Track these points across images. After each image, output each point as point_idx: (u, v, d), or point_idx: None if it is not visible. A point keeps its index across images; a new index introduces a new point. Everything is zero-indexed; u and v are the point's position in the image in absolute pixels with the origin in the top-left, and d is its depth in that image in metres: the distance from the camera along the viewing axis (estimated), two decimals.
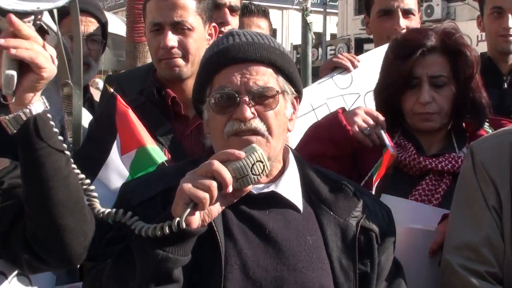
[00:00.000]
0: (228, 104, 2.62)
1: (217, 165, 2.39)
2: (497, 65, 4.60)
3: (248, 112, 2.59)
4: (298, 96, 2.82)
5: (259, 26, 5.05)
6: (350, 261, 2.68)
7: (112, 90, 3.44)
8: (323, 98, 4.15)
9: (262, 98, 2.63)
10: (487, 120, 3.65)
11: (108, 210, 2.54)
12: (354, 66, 4.37)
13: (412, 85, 3.51)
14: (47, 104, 2.38)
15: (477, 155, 3.03)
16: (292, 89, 2.75)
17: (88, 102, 4.27)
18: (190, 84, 3.52)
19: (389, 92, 3.58)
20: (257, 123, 2.61)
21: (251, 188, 2.58)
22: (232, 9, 4.47)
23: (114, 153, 3.38)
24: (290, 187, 2.74)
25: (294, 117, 2.80)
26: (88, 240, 2.56)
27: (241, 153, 2.43)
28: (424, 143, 3.58)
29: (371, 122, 3.49)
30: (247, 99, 2.60)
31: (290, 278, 2.57)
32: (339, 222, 2.72)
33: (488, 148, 3.04)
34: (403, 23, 4.56)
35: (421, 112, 3.50)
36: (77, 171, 2.51)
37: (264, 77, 2.64)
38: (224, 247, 2.56)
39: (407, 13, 4.54)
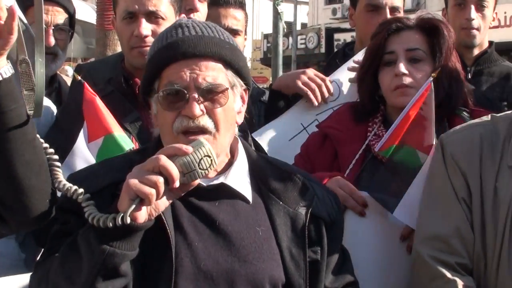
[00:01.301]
0: (177, 100, 2.59)
1: (164, 160, 2.38)
2: (462, 56, 4.62)
3: (197, 109, 2.56)
4: (247, 89, 2.80)
5: (235, 17, 5.04)
6: (300, 250, 2.70)
7: (79, 78, 3.45)
8: (313, 114, 4.11)
9: (211, 94, 2.60)
10: (468, 110, 3.63)
11: (70, 185, 2.54)
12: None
13: (389, 63, 3.51)
14: (13, 69, 2.40)
15: (447, 147, 3.05)
16: (241, 82, 2.73)
17: (56, 92, 4.26)
18: None
19: (368, 74, 3.59)
20: (205, 121, 2.59)
21: (201, 181, 2.58)
22: None
23: (81, 140, 3.41)
24: (239, 178, 2.74)
25: (242, 110, 2.78)
26: (53, 201, 2.61)
27: (188, 148, 2.42)
28: None
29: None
30: (196, 95, 2.57)
31: (241, 270, 2.59)
32: (288, 211, 2.73)
33: (458, 140, 3.06)
34: None
35: (397, 84, 3.48)
36: (41, 140, 2.57)
37: (214, 72, 2.61)
38: (174, 240, 2.55)
39: (394, 10, 4.53)
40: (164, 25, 3.54)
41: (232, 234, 2.63)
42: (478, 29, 4.63)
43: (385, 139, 3.36)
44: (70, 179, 2.64)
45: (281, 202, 2.73)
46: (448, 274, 2.91)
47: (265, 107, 4.40)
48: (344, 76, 4.15)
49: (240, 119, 2.78)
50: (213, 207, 2.66)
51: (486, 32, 4.73)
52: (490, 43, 4.84)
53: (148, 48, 3.46)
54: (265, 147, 3.93)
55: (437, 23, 3.54)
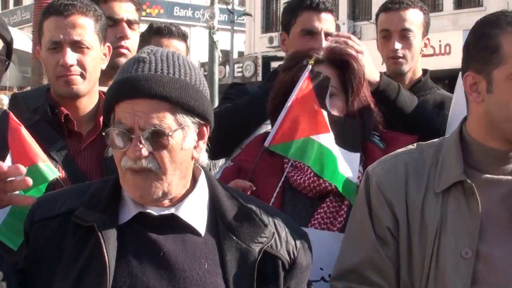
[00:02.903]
0: (123, 140, 2.62)
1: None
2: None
3: (138, 152, 2.59)
4: (207, 123, 2.76)
5: (177, 48, 5.10)
6: (248, 287, 2.67)
7: (4, 107, 3.46)
8: None
9: (154, 137, 2.59)
10: (378, 134, 3.68)
11: None
12: None
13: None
14: None
15: (373, 177, 3.09)
16: (196, 119, 2.69)
17: None
18: (84, 102, 3.64)
19: (279, 108, 3.51)
20: (148, 162, 2.61)
21: (152, 210, 2.67)
22: (130, 23, 4.50)
23: None
24: (193, 210, 2.73)
25: (201, 144, 2.75)
26: None
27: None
28: None
29: None
30: (140, 137, 2.59)
31: None
32: (240, 247, 2.70)
33: (384, 170, 3.11)
34: (325, 44, 4.57)
35: None
36: None
37: (159, 114, 2.59)
38: (113, 267, 2.58)
39: (328, 35, 4.58)
40: (89, 54, 3.58)
41: (174, 265, 2.63)
42: (404, 58, 4.73)
43: (274, 132, 3.42)
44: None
45: (234, 237, 2.71)
46: None
47: None
48: None
49: (199, 153, 2.75)
50: (161, 238, 2.66)
51: (416, 60, 4.81)
52: (425, 71, 4.94)
53: (74, 77, 3.54)
54: None
55: (346, 57, 3.58)
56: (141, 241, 2.66)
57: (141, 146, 2.58)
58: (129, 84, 2.61)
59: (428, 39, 4.93)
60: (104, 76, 3.78)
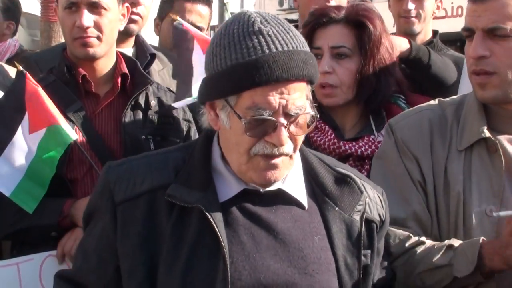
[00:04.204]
0: (263, 127, 2.36)
1: None
2: None
3: (286, 138, 2.37)
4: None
5: (201, 14, 5.01)
6: (355, 259, 2.56)
7: (21, 68, 3.42)
8: None
9: (299, 122, 2.39)
10: (403, 97, 3.65)
11: None
12: None
13: (316, 55, 3.37)
14: None
15: (397, 132, 3.07)
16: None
17: None
18: (101, 63, 3.58)
19: None
20: (288, 148, 2.41)
21: (258, 185, 2.48)
22: None
23: (21, 132, 3.37)
24: (295, 183, 2.56)
25: None
26: None
27: None
28: (339, 122, 3.54)
29: None
30: (285, 123, 2.36)
31: (302, 283, 2.45)
32: (344, 218, 2.56)
33: (408, 125, 3.09)
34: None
35: (321, 83, 3.42)
36: None
37: (300, 94, 2.37)
38: (228, 250, 2.39)
39: None
40: (107, 16, 3.52)
41: (291, 244, 2.48)
42: (416, 17, 4.72)
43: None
44: (106, 176, 2.55)
45: (336, 208, 2.57)
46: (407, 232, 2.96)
47: None
48: None
49: None
50: (271, 215, 2.50)
51: (428, 21, 4.81)
52: (435, 32, 4.91)
53: (90, 39, 3.47)
54: None
55: (363, 19, 3.50)
56: (251, 220, 2.48)
57: (286, 132, 2.37)
58: (274, 67, 2.33)
59: (440, 1, 4.91)
60: (117, 38, 3.72)
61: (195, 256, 2.41)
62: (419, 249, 2.92)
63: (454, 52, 4.92)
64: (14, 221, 3.43)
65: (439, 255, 2.87)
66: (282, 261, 2.45)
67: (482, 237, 2.81)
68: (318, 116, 2.43)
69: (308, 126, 2.42)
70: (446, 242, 2.89)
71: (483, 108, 3.02)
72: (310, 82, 2.42)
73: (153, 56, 4.29)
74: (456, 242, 2.87)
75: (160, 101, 3.69)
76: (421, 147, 3.03)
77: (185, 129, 3.73)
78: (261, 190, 2.49)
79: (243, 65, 2.34)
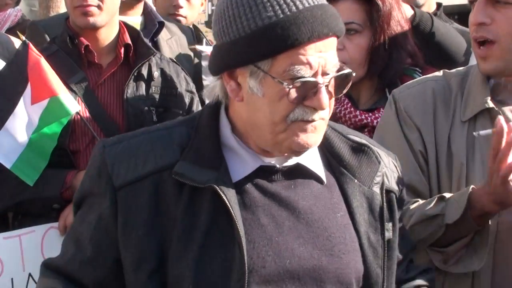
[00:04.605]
0: (304, 91, 2.12)
1: None
2: None
3: (327, 101, 2.14)
4: None
5: None
6: (378, 235, 2.34)
7: (23, 38, 3.38)
8: None
9: (339, 83, 2.18)
10: (419, 70, 3.60)
11: None
12: None
13: None
14: None
15: (400, 102, 3.03)
16: None
17: None
18: (104, 33, 3.52)
19: None
20: (327, 111, 2.18)
21: (274, 160, 2.25)
22: None
23: (23, 103, 3.34)
24: (312, 155, 2.31)
25: None
26: None
27: None
28: (355, 95, 3.50)
29: None
30: (326, 85, 2.14)
31: (329, 266, 2.23)
32: (364, 190, 2.35)
33: (411, 95, 3.05)
34: None
35: None
36: None
37: (335, 52, 2.17)
38: (247, 236, 2.15)
39: None
40: None
41: (314, 224, 2.24)
42: None
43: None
44: (102, 155, 2.24)
45: (356, 180, 2.34)
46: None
47: None
48: None
49: None
50: (291, 193, 2.26)
51: None
52: (439, 5, 4.87)
53: (90, 9, 3.41)
54: None
55: None
56: (270, 200, 2.23)
57: (327, 94, 2.14)
58: (314, 23, 2.10)
59: None
60: (125, 5, 3.68)
61: (209, 243, 2.16)
62: (412, 205, 2.87)
63: (459, 26, 4.88)
64: (16, 193, 3.41)
65: (430, 206, 2.81)
66: (307, 244, 2.22)
67: (472, 185, 2.77)
68: (354, 74, 2.23)
69: (345, 85, 2.21)
70: (438, 195, 2.86)
71: (488, 79, 2.99)
72: (337, 37, 2.21)
73: (161, 24, 4.24)
74: (448, 194, 2.84)
75: (163, 72, 3.64)
76: (424, 117, 2.99)
77: (188, 100, 3.69)
78: (278, 165, 2.26)
79: (280, 23, 2.08)
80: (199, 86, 4.01)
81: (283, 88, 2.10)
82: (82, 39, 3.50)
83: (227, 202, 2.14)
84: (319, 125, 2.18)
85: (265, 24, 2.09)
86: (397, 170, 2.51)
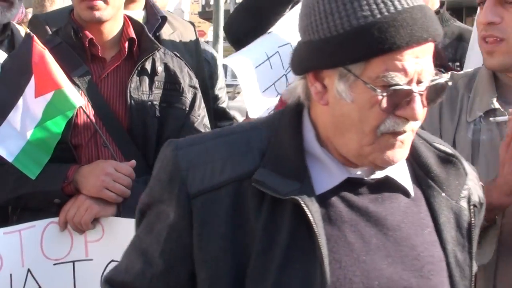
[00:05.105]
0: (397, 99, 1.95)
1: None
2: None
3: (421, 112, 1.97)
4: None
5: None
6: (466, 254, 2.17)
7: (28, 30, 3.34)
8: (276, 46, 4.10)
9: (433, 93, 2.00)
10: (444, 70, 3.55)
11: None
12: None
13: None
14: None
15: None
16: None
17: (8, 40, 4.12)
18: (108, 27, 3.49)
19: None
20: (418, 123, 2.03)
21: (360, 171, 2.08)
22: None
23: (27, 95, 3.30)
24: (399, 166, 2.13)
25: None
26: None
27: None
28: None
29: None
30: (421, 94, 1.97)
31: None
32: (451, 205, 2.17)
33: None
34: None
35: None
36: None
37: (431, 59, 2.00)
38: (326, 253, 1.97)
39: None
40: None
41: (402, 242, 2.07)
42: None
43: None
44: (174, 157, 2.06)
45: (443, 194, 2.16)
46: None
47: None
48: None
49: None
50: (378, 207, 2.08)
51: None
52: (442, 3, 4.86)
53: (96, 2, 3.36)
54: (236, 71, 3.96)
55: None
56: (357, 215, 2.06)
57: (420, 104, 1.97)
58: (408, 25, 1.93)
59: None
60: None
61: (288, 262, 1.97)
62: None
63: (461, 24, 4.89)
64: (17, 186, 3.38)
65: None
66: (396, 264, 2.04)
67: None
68: (450, 83, 2.09)
69: (440, 95, 2.04)
70: None
71: (494, 80, 3.01)
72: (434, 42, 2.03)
73: (164, 19, 4.20)
74: None
75: (166, 67, 3.61)
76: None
77: (191, 95, 3.66)
78: (365, 178, 2.08)
79: (377, 25, 1.91)
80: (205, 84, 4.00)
81: (375, 95, 1.93)
82: (87, 32, 3.46)
83: (310, 218, 1.96)
84: (407, 139, 2.02)
85: (361, 24, 1.91)
86: (477, 182, 2.31)
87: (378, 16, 1.91)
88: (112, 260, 3.29)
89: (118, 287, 2.13)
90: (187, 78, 3.67)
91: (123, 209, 3.37)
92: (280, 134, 2.07)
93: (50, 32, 3.62)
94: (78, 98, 3.28)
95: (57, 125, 3.28)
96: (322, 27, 1.96)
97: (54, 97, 3.24)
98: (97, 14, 3.40)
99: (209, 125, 3.71)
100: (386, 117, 1.95)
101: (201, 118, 3.64)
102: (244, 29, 4.21)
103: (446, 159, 2.20)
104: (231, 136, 2.12)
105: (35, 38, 3.29)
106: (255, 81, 3.89)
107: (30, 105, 3.29)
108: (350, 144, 2.00)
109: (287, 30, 4.15)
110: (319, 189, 2.02)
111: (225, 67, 6.11)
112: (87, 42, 3.46)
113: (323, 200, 2.01)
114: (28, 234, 3.32)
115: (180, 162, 2.04)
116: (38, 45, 3.27)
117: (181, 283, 2.07)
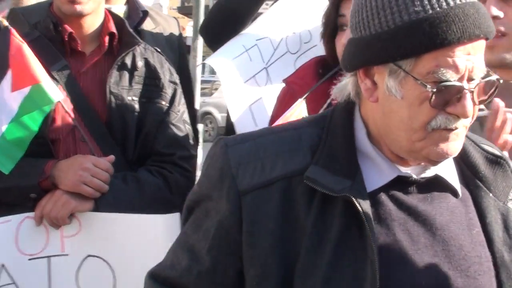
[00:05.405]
0: (447, 96, 1.94)
1: None
2: None
3: (472, 109, 1.96)
4: None
5: None
6: None
7: (6, 23, 3.30)
8: (253, 39, 4.09)
9: (484, 90, 2.00)
10: None
11: None
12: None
13: (341, 26, 3.34)
14: None
15: None
16: None
17: None
18: (89, 21, 3.45)
19: (326, 37, 3.44)
20: (469, 120, 2.01)
21: (410, 170, 2.08)
22: None
23: (3, 89, 3.26)
24: (448, 165, 2.14)
25: None
26: None
27: None
28: None
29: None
30: (471, 91, 1.96)
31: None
32: (498, 206, 2.16)
33: None
34: None
35: None
36: None
37: (483, 57, 1.97)
38: (381, 253, 1.96)
39: None
40: None
41: (450, 241, 2.07)
42: None
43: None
44: (224, 153, 2.07)
45: (491, 194, 2.16)
46: None
47: None
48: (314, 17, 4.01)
49: None
50: (427, 207, 2.08)
51: None
52: None
53: None
54: (216, 67, 3.95)
55: None
56: (406, 214, 2.06)
57: (471, 101, 1.96)
58: (460, 21, 1.91)
59: None
60: None
61: (338, 260, 1.97)
62: None
63: None
64: None
65: None
66: (443, 263, 2.04)
67: None
68: (502, 81, 2.05)
69: (491, 93, 2.02)
70: None
71: None
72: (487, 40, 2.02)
73: (145, 14, 4.16)
74: None
75: (147, 62, 3.57)
76: None
77: (171, 91, 3.63)
78: (414, 176, 2.07)
79: (429, 20, 1.90)
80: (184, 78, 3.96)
81: (425, 91, 1.92)
82: (66, 26, 3.42)
83: (362, 215, 1.96)
84: (461, 132, 2.01)
85: (412, 20, 1.91)
86: None
87: (430, 11, 1.90)
88: (88, 255, 3.27)
89: (162, 282, 2.13)
90: (167, 74, 3.64)
91: (100, 204, 3.33)
92: (331, 131, 2.08)
93: (27, 24, 3.57)
94: (56, 93, 3.24)
95: (34, 121, 3.24)
96: (374, 22, 1.96)
97: (32, 92, 3.20)
98: (78, 7, 3.36)
99: (188, 121, 3.68)
100: (436, 114, 1.94)
101: (181, 114, 3.61)
102: (219, 30, 4.19)
103: (494, 161, 2.20)
104: (281, 133, 2.12)
105: (13, 31, 3.24)
106: (234, 74, 3.87)
107: (6, 99, 3.24)
108: (400, 140, 2.00)
109: (265, 27, 4.15)
110: (369, 187, 2.03)
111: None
112: (66, 36, 3.42)
113: (373, 197, 2.02)
114: (3, 228, 3.28)
115: (230, 159, 2.04)
116: (16, 38, 3.23)
117: (227, 280, 2.06)
